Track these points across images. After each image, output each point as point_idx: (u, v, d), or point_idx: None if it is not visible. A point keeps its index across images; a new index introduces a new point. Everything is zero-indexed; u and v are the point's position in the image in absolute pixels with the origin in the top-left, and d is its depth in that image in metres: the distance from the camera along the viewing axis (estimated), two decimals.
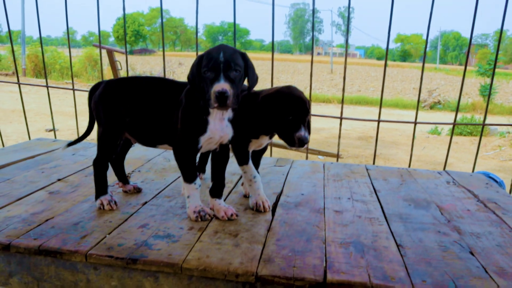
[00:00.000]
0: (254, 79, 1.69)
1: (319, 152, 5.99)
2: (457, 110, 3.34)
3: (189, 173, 1.72)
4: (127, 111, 1.78)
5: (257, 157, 2.06)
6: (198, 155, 1.91)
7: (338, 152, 3.66)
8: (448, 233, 1.73)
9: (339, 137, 3.49)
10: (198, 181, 1.75)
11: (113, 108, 1.80)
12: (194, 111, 1.64)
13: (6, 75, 18.56)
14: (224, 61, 1.52)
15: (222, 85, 1.48)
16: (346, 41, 3.58)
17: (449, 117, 12.25)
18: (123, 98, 1.79)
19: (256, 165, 2.04)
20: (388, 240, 1.64)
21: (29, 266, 1.53)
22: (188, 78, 1.63)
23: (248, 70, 1.63)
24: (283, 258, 1.46)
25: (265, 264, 1.41)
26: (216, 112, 1.64)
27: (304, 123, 1.70)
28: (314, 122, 1.79)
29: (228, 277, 1.36)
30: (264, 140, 1.90)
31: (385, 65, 3.37)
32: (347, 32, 3.61)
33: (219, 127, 1.67)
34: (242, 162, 1.90)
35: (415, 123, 3.40)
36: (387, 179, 2.46)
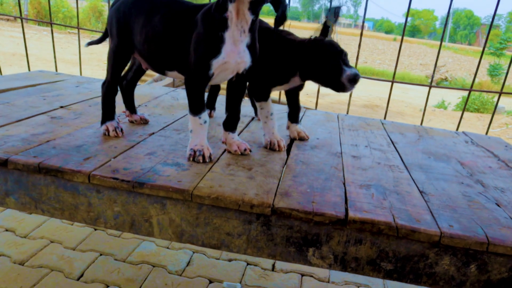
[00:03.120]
0: (284, 7, 1.50)
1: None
2: (474, 76, 3.20)
3: (196, 103, 1.53)
4: (139, 29, 1.63)
5: (294, 96, 1.95)
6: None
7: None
8: (472, 185, 1.63)
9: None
10: (205, 116, 1.56)
11: (125, 24, 1.66)
12: (208, 29, 1.45)
13: (8, 20, 18.13)
14: None
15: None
16: (364, 14, 3.39)
17: (456, 94, 12.06)
18: (136, 14, 1.64)
19: (295, 106, 1.95)
20: (410, 186, 1.54)
21: (27, 186, 1.43)
22: None
23: None
24: (301, 193, 1.35)
25: (282, 197, 1.31)
26: (234, 30, 1.45)
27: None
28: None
29: (242, 207, 1.26)
30: (296, 81, 1.77)
31: (403, 34, 3.20)
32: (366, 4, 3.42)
33: (235, 50, 1.48)
34: (260, 98, 1.77)
35: (430, 86, 3.28)
36: (404, 134, 2.35)
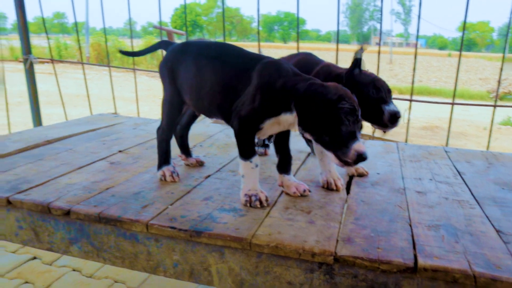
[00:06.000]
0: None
1: (383, 140, 5.69)
2: None
3: (247, 149, 1.50)
4: (185, 77, 1.64)
5: None
6: None
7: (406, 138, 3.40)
8: None
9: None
10: (256, 160, 1.51)
11: (173, 73, 1.68)
12: (269, 99, 1.43)
13: (72, 63, 19.34)
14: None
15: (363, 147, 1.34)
16: (418, 30, 3.28)
17: None
18: (184, 62, 1.65)
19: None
20: (484, 224, 1.41)
21: (89, 234, 1.45)
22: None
23: None
24: (364, 238, 1.28)
25: (344, 244, 1.24)
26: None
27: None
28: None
29: (302, 256, 1.20)
30: None
31: (461, 49, 3.05)
32: (419, 18, 3.31)
33: (291, 116, 1.46)
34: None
35: (495, 106, 3.08)
36: (471, 162, 2.20)
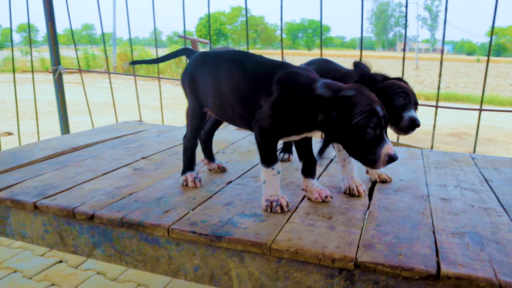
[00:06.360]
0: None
1: (408, 147, 5.60)
2: None
3: (269, 155, 1.50)
4: (207, 85, 1.64)
5: None
6: None
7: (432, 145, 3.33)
8: None
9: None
10: (278, 167, 1.51)
11: (194, 82, 1.70)
12: (293, 111, 1.42)
13: (101, 73, 19.82)
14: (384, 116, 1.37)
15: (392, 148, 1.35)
16: (444, 35, 3.23)
17: None
18: (204, 71, 1.66)
19: None
20: (511, 233, 1.37)
21: (111, 239, 1.47)
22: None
23: None
24: (385, 245, 1.26)
25: (365, 250, 1.22)
26: None
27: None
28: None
29: (322, 262, 1.20)
30: None
31: (489, 53, 2.99)
32: (445, 22, 3.26)
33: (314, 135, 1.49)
34: None
35: None
36: (499, 169, 2.14)
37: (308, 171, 1.63)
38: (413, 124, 1.58)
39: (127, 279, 2.42)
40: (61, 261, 2.57)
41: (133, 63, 2.17)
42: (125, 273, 2.48)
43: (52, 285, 2.32)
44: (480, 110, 3.02)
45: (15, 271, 2.45)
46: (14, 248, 2.72)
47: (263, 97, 1.45)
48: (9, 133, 6.61)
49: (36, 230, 1.61)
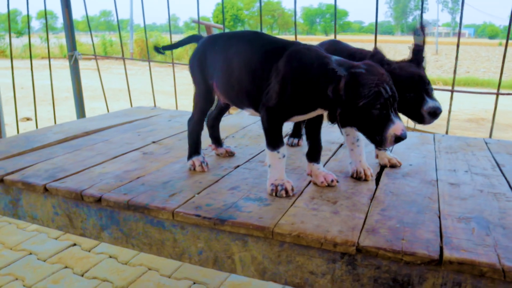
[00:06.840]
0: None
1: (423, 132, 5.53)
2: None
3: (275, 138, 1.50)
4: (216, 66, 1.65)
5: None
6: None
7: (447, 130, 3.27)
8: None
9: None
10: (283, 150, 1.51)
11: (203, 63, 1.70)
12: (304, 89, 1.41)
13: (117, 59, 19.97)
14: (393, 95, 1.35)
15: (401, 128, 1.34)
16: (461, 16, 3.15)
17: None
18: (213, 54, 1.66)
19: None
20: None
21: (118, 221, 1.50)
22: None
23: None
24: (389, 229, 1.25)
25: (368, 235, 1.22)
26: None
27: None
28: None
29: (324, 246, 1.19)
30: None
31: (508, 36, 2.90)
32: (462, 4, 3.17)
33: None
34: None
35: None
36: None
37: (313, 156, 1.62)
38: (434, 112, 1.56)
39: (138, 263, 2.46)
40: (74, 244, 2.62)
41: (156, 49, 2.07)
42: (137, 257, 2.53)
43: (66, 267, 2.38)
44: (498, 94, 2.95)
45: (30, 253, 2.52)
46: (29, 231, 2.79)
47: (273, 72, 1.46)
48: (28, 119, 6.73)
49: (46, 212, 1.65)
